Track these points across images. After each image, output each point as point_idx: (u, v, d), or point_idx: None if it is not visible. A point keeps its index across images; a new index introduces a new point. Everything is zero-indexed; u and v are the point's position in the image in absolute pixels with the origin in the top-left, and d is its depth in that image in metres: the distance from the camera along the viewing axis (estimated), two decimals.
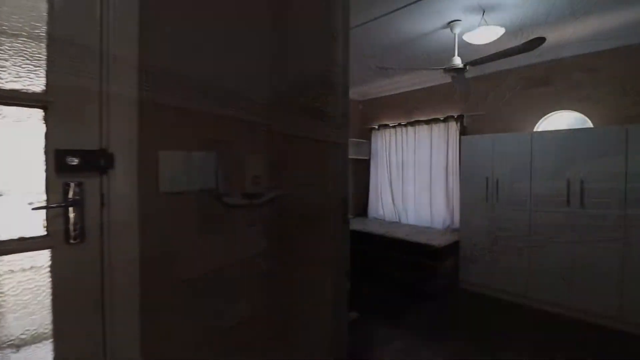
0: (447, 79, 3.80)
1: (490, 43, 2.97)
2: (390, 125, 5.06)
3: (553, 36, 3.03)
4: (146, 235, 0.91)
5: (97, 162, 0.85)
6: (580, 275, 2.92)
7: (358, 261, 4.32)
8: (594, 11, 2.59)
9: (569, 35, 3.03)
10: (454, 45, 2.89)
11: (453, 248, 3.72)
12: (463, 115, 4.22)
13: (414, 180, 4.79)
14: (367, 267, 4.22)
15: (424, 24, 2.83)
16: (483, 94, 4.09)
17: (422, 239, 3.73)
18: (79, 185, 0.83)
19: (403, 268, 3.79)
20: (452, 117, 4.29)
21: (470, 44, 3.09)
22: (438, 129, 4.48)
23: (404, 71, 4.07)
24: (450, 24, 2.78)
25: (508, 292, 3.38)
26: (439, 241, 3.62)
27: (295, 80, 1.14)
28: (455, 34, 2.82)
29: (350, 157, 5.17)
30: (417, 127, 4.74)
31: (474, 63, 2.67)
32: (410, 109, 4.89)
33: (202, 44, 1.03)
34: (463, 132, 4.19)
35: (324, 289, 1.02)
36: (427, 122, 4.56)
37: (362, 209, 5.46)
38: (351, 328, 2.35)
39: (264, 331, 1.17)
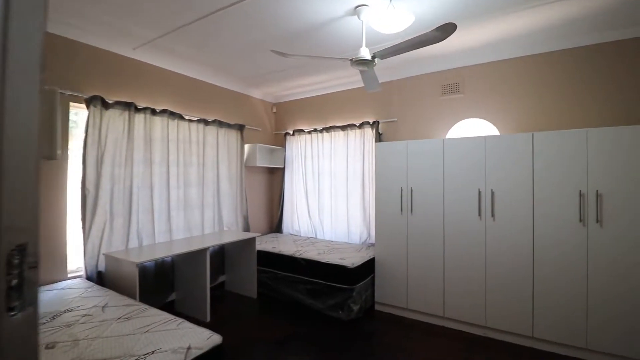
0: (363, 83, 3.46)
1: (402, 39, 2.69)
2: (306, 130, 4.59)
3: (464, 40, 2.88)
4: None
5: None
6: (494, 291, 2.72)
7: (265, 288, 3.67)
8: (503, 14, 2.45)
9: (479, 38, 2.91)
10: (362, 34, 2.52)
11: (369, 266, 3.32)
12: (378, 122, 3.94)
13: (330, 191, 4.36)
14: (275, 294, 3.59)
15: (328, 8, 2.40)
16: (397, 99, 3.88)
17: (335, 258, 3.25)
18: None
19: (315, 293, 3.26)
20: (368, 123, 3.99)
21: (384, 39, 2.78)
22: (354, 135, 4.14)
23: (308, 62, 3.65)
24: (356, 9, 2.39)
25: (425, 313, 3.07)
26: (353, 260, 3.19)
27: None
28: (362, 22, 2.45)
29: (262, 165, 4.55)
30: (333, 133, 4.35)
31: (382, 54, 2.30)
32: (326, 113, 4.51)
33: None
34: (379, 139, 3.91)
35: None
36: (343, 128, 4.20)
37: (277, 224, 4.85)
38: None
39: None
